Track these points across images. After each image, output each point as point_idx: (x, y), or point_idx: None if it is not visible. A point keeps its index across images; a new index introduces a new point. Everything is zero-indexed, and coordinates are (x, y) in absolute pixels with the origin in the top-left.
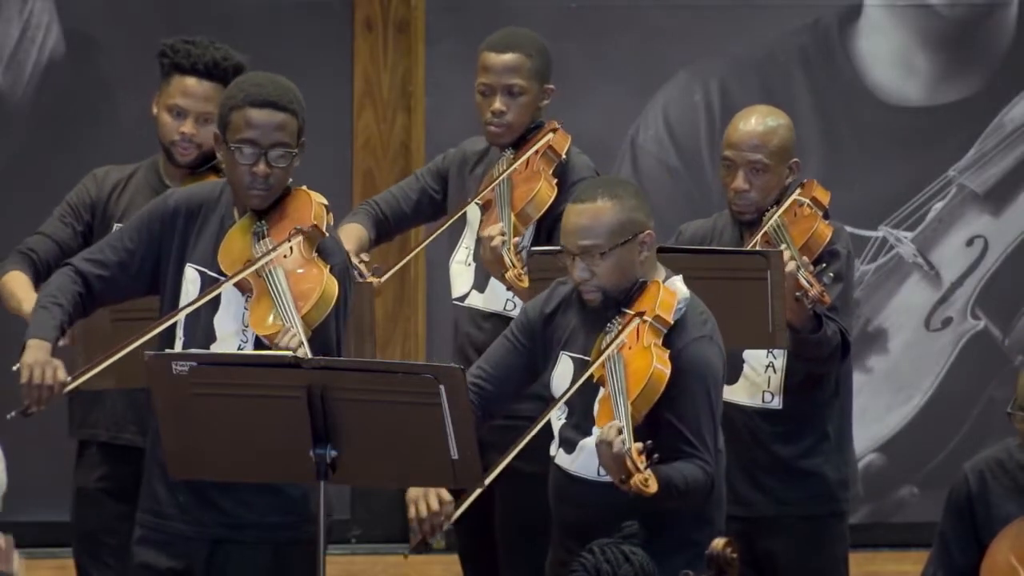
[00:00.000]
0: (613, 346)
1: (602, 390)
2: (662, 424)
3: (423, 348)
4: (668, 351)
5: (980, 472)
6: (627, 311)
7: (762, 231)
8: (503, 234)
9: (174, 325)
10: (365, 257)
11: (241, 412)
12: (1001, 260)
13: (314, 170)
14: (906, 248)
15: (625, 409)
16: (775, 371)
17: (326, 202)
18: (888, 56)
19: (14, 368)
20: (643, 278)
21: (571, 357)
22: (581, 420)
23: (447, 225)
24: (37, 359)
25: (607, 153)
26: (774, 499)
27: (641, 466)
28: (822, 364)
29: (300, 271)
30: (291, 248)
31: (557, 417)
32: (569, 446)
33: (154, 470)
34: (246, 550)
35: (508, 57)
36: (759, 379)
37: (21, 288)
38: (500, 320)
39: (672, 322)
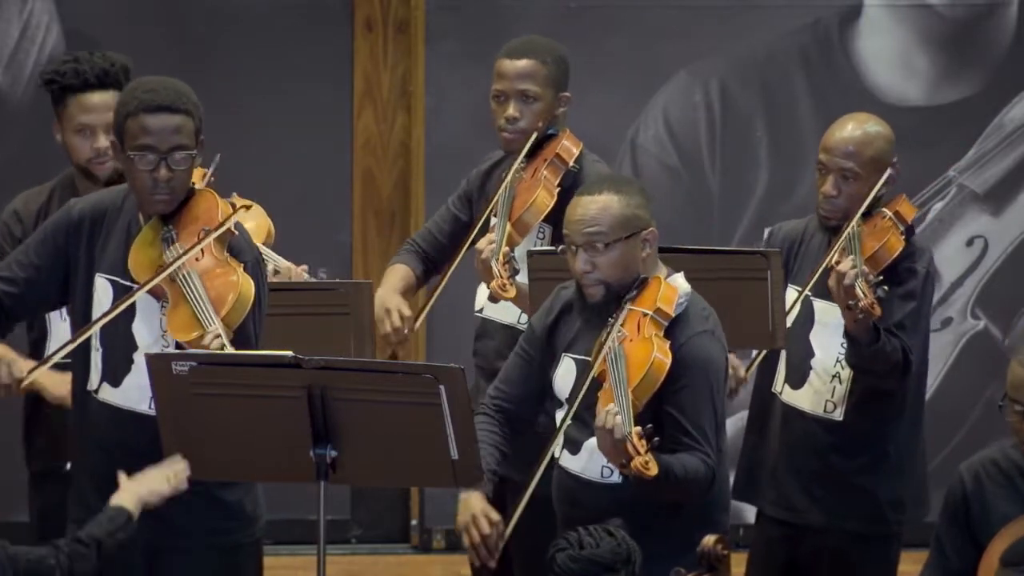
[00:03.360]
0: (613, 337)
1: (604, 385)
2: (664, 418)
3: (423, 348)
4: (669, 343)
5: (976, 473)
6: (627, 306)
7: (840, 239)
8: (492, 243)
9: (89, 336)
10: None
11: (241, 412)
12: (1001, 260)
13: (314, 170)
14: None
15: (626, 397)
16: (840, 382)
17: (249, 202)
18: (888, 56)
19: None
20: (644, 275)
21: (573, 359)
22: (585, 420)
23: (471, 236)
24: None
25: (607, 153)
26: (823, 510)
27: (641, 449)
28: (879, 378)
29: (215, 273)
30: (202, 251)
31: (561, 417)
32: (573, 447)
33: (84, 481)
34: (189, 558)
35: (522, 63)
36: (824, 388)
37: None
38: (512, 332)
39: (673, 315)
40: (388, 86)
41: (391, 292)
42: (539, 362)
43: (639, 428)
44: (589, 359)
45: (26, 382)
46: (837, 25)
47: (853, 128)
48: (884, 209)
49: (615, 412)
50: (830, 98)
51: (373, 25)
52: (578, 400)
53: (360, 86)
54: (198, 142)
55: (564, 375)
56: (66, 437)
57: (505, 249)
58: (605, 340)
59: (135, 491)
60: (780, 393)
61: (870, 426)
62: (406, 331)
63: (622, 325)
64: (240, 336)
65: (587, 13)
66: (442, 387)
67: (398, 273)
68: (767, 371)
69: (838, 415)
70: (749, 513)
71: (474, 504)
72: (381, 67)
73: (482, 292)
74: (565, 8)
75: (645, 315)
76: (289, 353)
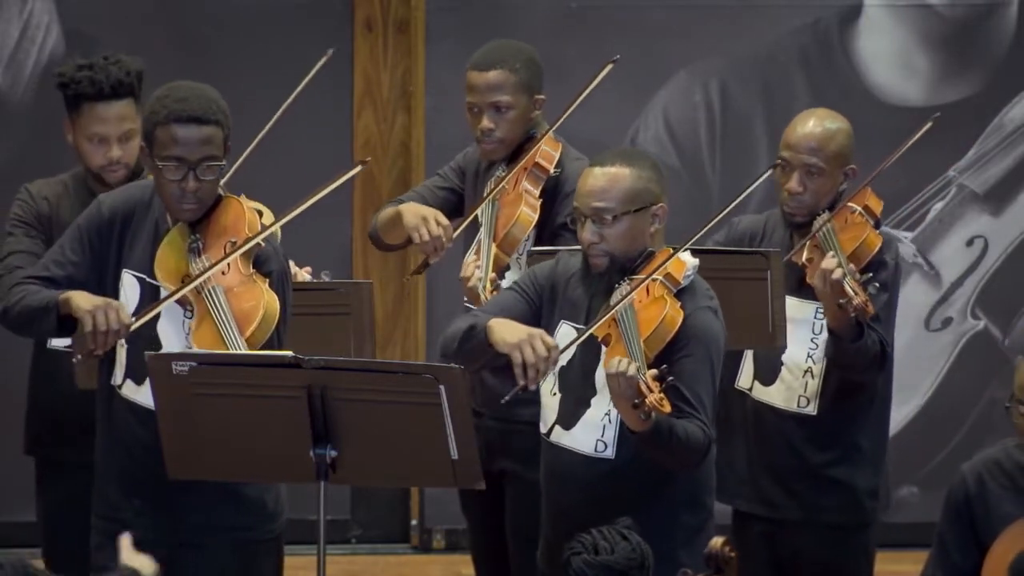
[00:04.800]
0: (624, 302)
1: (604, 350)
2: (664, 387)
3: (423, 348)
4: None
5: (978, 473)
6: (636, 277)
7: (812, 236)
8: (478, 268)
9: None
10: (414, 235)
11: (241, 412)
12: (1001, 260)
13: (314, 170)
14: (906, 248)
15: (639, 347)
16: (812, 377)
17: (260, 207)
18: (888, 56)
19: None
20: (652, 248)
21: (574, 327)
22: (580, 394)
23: (459, 231)
24: (95, 303)
25: None
26: (801, 504)
27: (655, 388)
28: (860, 373)
29: (240, 290)
30: (228, 265)
31: (550, 390)
32: (567, 422)
33: (107, 475)
34: (207, 553)
35: (491, 75)
36: (796, 383)
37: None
38: None
39: (682, 283)
40: (388, 86)
41: (420, 204)
42: (536, 305)
43: (652, 371)
44: (575, 346)
45: (134, 328)
46: (837, 25)
47: (815, 124)
48: (852, 204)
49: (628, 360)
50: (830, 98)
51: (373, 25)
52: (585, 335)
53: (360, 86)
54: (226, 148)
55: (561, 343)
56: (66, 425)
57: (492, 275)
58: (615, 305)
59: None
60: (750, 390)
61: (843, 419)
62: (445, 240)
63: (631, 290)
64: (265, 348)
65: (588, 13)
66: (442, 387)
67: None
68: (729, 370)
69: (811, 410)
70: None
71: (426, 210)
72: (381, 67)
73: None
74: (566, 8)
75: (654, 280)
76: (289, 353)
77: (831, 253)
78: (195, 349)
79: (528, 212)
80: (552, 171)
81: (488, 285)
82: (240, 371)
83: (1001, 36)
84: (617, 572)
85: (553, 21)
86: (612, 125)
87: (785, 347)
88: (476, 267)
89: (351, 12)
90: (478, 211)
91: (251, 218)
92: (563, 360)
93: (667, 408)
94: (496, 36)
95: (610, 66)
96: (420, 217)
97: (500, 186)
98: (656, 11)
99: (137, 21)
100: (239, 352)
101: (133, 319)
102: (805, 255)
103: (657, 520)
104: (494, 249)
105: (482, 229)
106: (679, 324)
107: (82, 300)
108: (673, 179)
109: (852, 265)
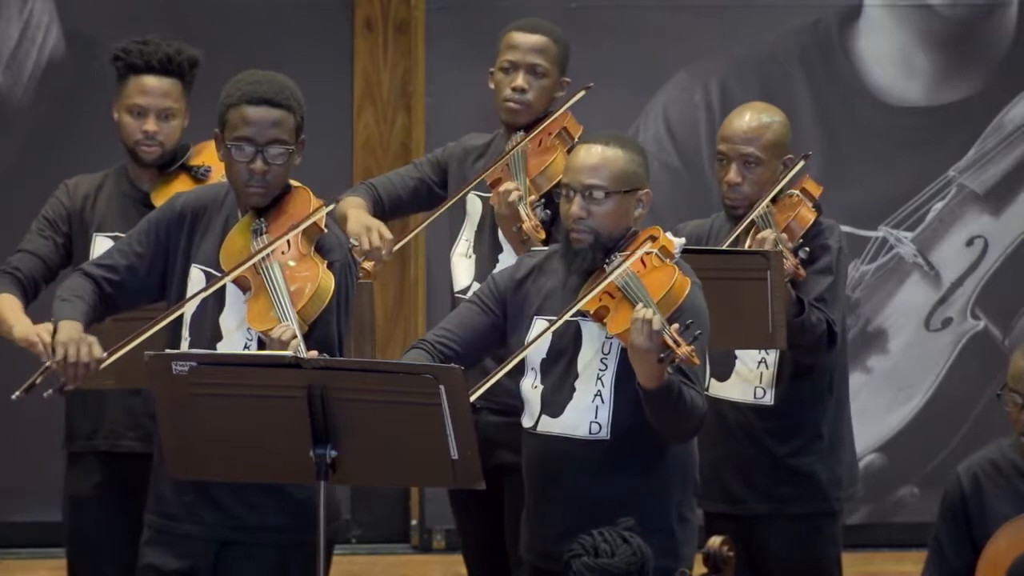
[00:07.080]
0: (620, 270)
1: (584, 334)
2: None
3: None
4: None
5: (973, 473)
6: (626, 252)
7: (749, 218)
8: (519, 190)
9: (180, 324)
10: (354, 241)
11: (241, 412)
12: (1001, 260)
13: (314, 170)
14: (906, 248)
15: (652, 305)
16: (767, 367)
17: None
18: (888, 56)
19: (13, 396)
20: (635, 229)
21: (547, 320)
22: (563, 381)
23: (448, 205)
24: (71, 336)
25: None
26: (765, 497)
27: (682, 342)
28: (807, 352)
29: (295, 266)
30: (288, 243)
31: (532, 384)
32: (554, 410)
33: (162, 471)
34: (252, 552)
35: (536, 38)
36: (751, 375)
37: (11, 311)
38: None
39: (675, 256)
40: (388, 86)
41: (367, 213)
42: (497, 316)
43: (676, 324)
44: (567, 319)
45: (105, 363)
46: (837, 25)
47: (751, 117)
48: (791, 190)
49: (655, 312)
50: (830, 98)
51: (373, 25)
52: (580, 304)
53: (360, 86)
54: (298, 140)
55: (536, 336)
56: (97, 419)
57: (532, 198)
58: (611, 272)
59: None
60: (706, 390)
61: (801, 407)
62: (384, 253)
63: (625, 259)
64: (321, 333)
65: (587, 13)
66: (442, 387)
67: (358, 201)
68: None
69: (768, 400)
70: None
71: (371, 220)
72: (381, 67)
73: (462, 273)
74: (566, 8)
75: (649, 253)
76: (289, 353)
77: (768, 229)
78: (253, 342)
79: (562, 160)
80: (576, 142)
81: (528, 204)
82: (240, 371)
83: (1001, 36)
84: (617, 575)
85: (553, 21)
86: (612, 125)
87: (785, 347)
88: (516, 187)
89: (351, 12)
90: (490, 174)
91: (317, 206)
92: (542, 352)
93: (697, 360)
94: (496, 36)
95: (582, 92)
96: (364, 227)
97: (525, 141)
98: (656, 11)
99: (138, 21)
100: (239, 352)
101: (104, 355)
102: (748, 243)
103: (652, 493)
104: (528, 182)
105: (511, 170)
106: (687, 291)
107: (61, 331)
108: (673, 179)
109: (784, 235)
